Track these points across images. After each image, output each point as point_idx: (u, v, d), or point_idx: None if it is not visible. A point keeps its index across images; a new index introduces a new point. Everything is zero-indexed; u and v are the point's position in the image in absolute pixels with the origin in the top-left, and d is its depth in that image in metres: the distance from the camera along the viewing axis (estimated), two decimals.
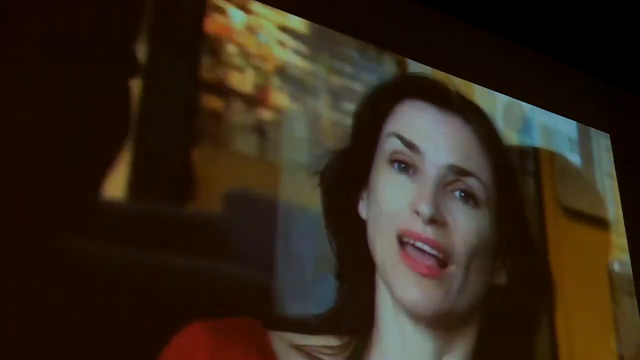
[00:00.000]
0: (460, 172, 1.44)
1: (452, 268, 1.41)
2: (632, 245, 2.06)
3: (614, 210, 2.09)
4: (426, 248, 1.40)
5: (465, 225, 1.43)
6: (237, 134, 1.47)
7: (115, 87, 1.34)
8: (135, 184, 1.31)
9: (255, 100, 1.51)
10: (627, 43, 2.24)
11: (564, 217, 1.93)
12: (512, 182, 1.73)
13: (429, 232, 1.40)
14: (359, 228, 1.47)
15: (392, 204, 1.43)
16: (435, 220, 1.40)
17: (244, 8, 1.56)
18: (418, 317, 1.41)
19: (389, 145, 1.47)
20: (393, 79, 1.76)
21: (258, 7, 1.58)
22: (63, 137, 1.26)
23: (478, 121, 1.54)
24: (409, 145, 1.45)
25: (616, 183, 2.14)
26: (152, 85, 1.38)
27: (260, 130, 1.50)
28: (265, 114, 1.52)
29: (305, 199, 1.49)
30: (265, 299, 1.38)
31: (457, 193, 1.44)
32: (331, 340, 1.39)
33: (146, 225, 1.30)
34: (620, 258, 2.03)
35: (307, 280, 1.43)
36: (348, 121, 1.61)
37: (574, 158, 2.09)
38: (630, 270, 2.03)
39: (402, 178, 1.44)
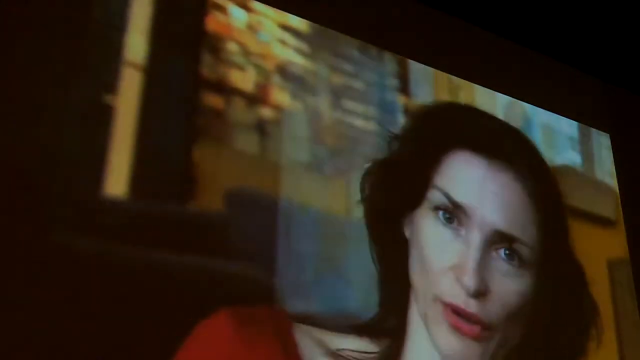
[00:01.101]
0: (507, 238, 1.44)
1: (492, 331, 1.42)
2: (632, 244, 2.06)
3: (614, 208, 2.09)
4: (468, 319, 1.40)
5: (508, 290, 1.43)
6: (238, 132, 1.47)
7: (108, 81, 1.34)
8: (137, 182, 1.31)
9: (256, 99, 1.51)
10: (627, 43, 2.24)
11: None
12: (561, 238, 1.69)
13: (472, 305, 1.39)
14: (401, 245, 1.48)
15: (436, 260, 1.43)
16: (479, 293, 1.40)
17: (244, 6, 1.56)
18: None
19: (436, 198, 1.46)
20: (446, 111, 1.77)
21: (259, 6, 1.58)
22: (62, 134, 1.26)
23: (528, 174, 1.51)
24: (456, 205, 1.44)
25: (616, 182, 2.14)
26: (153, 83, 1.38)
27: (261, 128, 1.50)
28: (266, 112, 1.52)
29: (306, 197, 1.49)
30: (265, 297, 1.38)
31: (502, 252, 1.43)
32: (360, 344, 1.40)
33: (147, 224, 1.30)
34: (620, 256, 2.03)
35: (308, 279, 1.43)
36: (349, 119, 1.62)
37: (575, 157, 2.09)
38: (630, 269, 2.03)
39: (446, 232, 1.44)
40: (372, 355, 1.40)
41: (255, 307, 1.33)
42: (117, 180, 1.29)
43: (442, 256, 1.42)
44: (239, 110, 1.48)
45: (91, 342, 1.16)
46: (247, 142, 1.47)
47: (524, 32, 2.14)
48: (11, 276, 1.13)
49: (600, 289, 1.95)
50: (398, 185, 1.53)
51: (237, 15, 1.55)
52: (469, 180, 1.49)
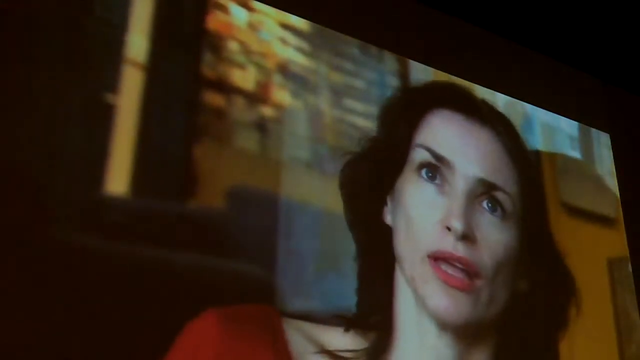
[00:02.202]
0: (489, 186, 1.45)
1: (481, 282, 1.42)
2: (632, 243, 2.06)
3: (614, 207, 2.10)
4: (458, 265, 1.40)
5: (494, 240, 1.44)
6: (239, 131, 1.47)
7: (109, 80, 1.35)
8: (138, 181, 1.31)
9: (257, 97, 1.51)
10: (627, 43, 2.24)
11: (564, 213, 1.94)
12: (538, 196, 1.74)
13: (460, 249, 1.40)
14: (383, 234, 1.47)
15: (422, 219, 1.43)
16: (467, 237, 1.40)
17: (245, 5, 1.56)
18: (444, 325, 1.41)
19: (418, 156, 1.47)
20: (421, 86, 1.77)
21: (259, 4, 1.58)
22: (63, 133, 1.27)
23: (505, 133, 1.54)
24: (439, 158, 1.45)
25: (616, 181, 2.14)
26: (154, 82, 1.39)
27: (261, 127, 1.50)
28: (267, 111, 1.52)
29: (307, 195, 1.49)
30: (266, 296, 1.38)
31: (484, 203, 1.44)
32: (349, 341, 1.40)
33: (147, 222, 1.30)
34: (620, 255, 2.04)
35: (309, 277, 1.43)
36: (349, 118, 1.62)
37: (575, 156, 2.09)
38: (630, 268, 2.03)
39: (430, 189, 1.44)
40: (361, 352, 1.39)
41: (244, 305, 1.33)
42: (118, 179, 1.29)
43: (428, 212, 1.43)
44: (239, 109, 1.48)
45: (92, 340, 1.16)
46: (247, 141, 1.48)
47: (524, 32, 2.14)
48: (12, 274, 1.13)
49: (600, 288, 1.95)
50: (377, 172, 1.52)
51: (238, 14, 1.55)
52: (450, 135, 1.50)
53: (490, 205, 1.44)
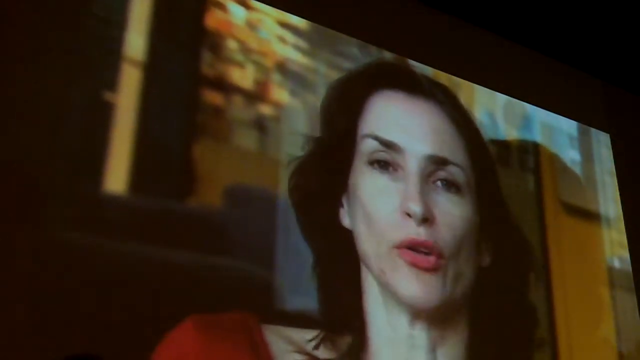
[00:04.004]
0: (439, 161, 1.47)
1: (445, 260, 1.43)
2: (631, 241, 2.06)
3: (614, 207, 2.09)
4: (423, 250, 1.41)
5: (452, 217, 1.45)
6: (238, 129, 1.47)
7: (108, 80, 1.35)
8: (137, 179, 1.31)
9: (256, 96, 1.52)
10: (627, 43, 2.24)
11: (563, 213, 1.94)
12: (487, 163, 1.74)
13: (422, 233, 1.41)
14: (343, 238, 1.46)
15: (381, 210, 1.43)
16: (426, 219, 1.41)
17: (244, 4, 1.57)
18: (416, 314, 1.41)
19: (367, 147, 1.47)
20: (357, 71, 1.70)
21: (258, 3, 1.58)
22: (63, 132, 1.27)
23: (448, 102, 1.57)
24: (387, 144, 1.46)
25: (616, 180, 2.14)
26: (153, 80, 1.39)
27: (260, 125, 1.50)
28: (266, 109, 1.52)
29: None
30: (264, 293, 1.38)
31: (439, 183, 1.46)
32: (328, 345, 1.39)
33: (147, 220, 1.30)
34: (619, 255, 2.03)
35: (307, 275, 1.43)
36: None
37: (574, 155, 2.09)
38: (630, 266, 2.03)
39: (384, 179, 1.44)
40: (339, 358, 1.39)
41: (224, 313, 1.32)
42: (117, 177, 1.30)
43: (386, 202, 1.43)
44: (238, 107, 1.48)
45: (90, 337, 1.16)
46: (246, 139, 1.48)
47: (524, 32, 2.14)
48: (12, 272, 1.14)
49: (600, 288, 1.95)
50: (327, 173, 1.51)
51: (237, 13, 1.55)
52: (394, 116, 1.52)
53: (444, 184, 1.46)
